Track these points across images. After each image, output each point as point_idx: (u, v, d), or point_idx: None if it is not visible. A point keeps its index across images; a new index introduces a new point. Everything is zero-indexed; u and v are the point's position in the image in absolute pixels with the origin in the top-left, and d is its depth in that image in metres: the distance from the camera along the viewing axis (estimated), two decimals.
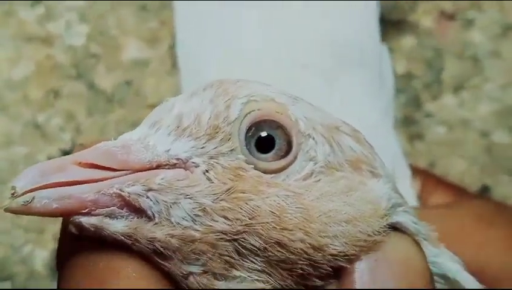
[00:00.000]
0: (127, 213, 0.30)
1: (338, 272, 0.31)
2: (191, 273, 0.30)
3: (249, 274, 0.30)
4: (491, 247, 0.44)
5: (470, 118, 0.62)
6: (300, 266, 0.30)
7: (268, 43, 0.55)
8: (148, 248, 0.30)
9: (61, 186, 0.29)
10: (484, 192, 0.60)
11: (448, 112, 0.62)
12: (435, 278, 0.33)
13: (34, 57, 0.61)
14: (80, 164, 0.30)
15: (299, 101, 0.33)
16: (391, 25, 0.62)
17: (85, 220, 0.29)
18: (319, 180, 0.32)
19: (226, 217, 0.30)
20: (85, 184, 0.29)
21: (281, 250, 0.30)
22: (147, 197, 0.30)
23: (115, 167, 0.30)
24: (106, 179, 0.30)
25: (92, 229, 0.29)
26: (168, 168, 0.30)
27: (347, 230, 0.31)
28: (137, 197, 0.30)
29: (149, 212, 0.30)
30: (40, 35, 0.62)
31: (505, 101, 0.62)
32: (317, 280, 0.31)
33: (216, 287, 0.30)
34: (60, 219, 0.32)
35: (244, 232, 0.30)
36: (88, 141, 0.32)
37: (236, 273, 0.30)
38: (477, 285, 0.34)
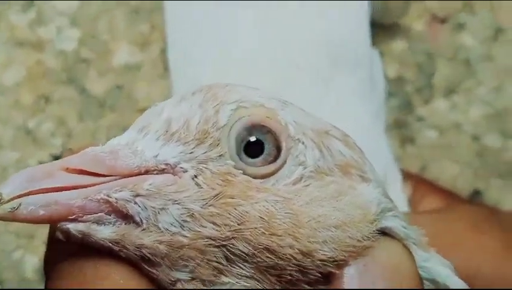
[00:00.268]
0: (114, 219, 0.30)
1: (327, 278, 0.31)
2: (178, 280, 0.30)
3: (237, 280, 0.30)
4: (482, 253, 0.44)
5: (462, 121, 0.62)
6: (289, 271, 0.30)
7: (263, 44, 0.54)
8: (135, 254, 0.29)
9: (48, 192, 0.29)
10: (476, 196, 0.60)
11: (440, 116, 0.62)
12: (425, 282, 0.33)
13: (25, 61, 0.61)
14: (68, 170, 0.30)
15: (288, 106, 0.33)
16: (382, 28, 0.62)
17: (72, 227, 0.29)
18: (308, 185, 0.31)
19: (214, 223, 0.30)
20: (72, 190, 0.29)
21: (269, 256, 0.30)
22: (135, 203, 0.29)
23: (102, 173, 0.30)
24: (94, 184, 0.29)
25: (80, 235, 0.29)
26: (157, 174, 0.30)
27: (336, 235, 0.30)
28: (125, 203, 0.29)
29: (137, 218, 0.29)
30: (31, 40, 0.61)
31: (497, 104, 0.62)
32: (306, 286, 0.31)
33: None
34: (48, 225, 0.31)
35: (232, 238, 0.29)
36: (78, 146, 0.32)
37: (225, 279, 0.30)
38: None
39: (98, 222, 0.29)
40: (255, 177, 0.31)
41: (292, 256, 0.30)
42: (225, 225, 0.29)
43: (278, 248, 0.30)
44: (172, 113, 0.32)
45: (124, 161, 0.30)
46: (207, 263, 0.30)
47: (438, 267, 0.34)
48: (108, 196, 0.29)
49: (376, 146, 0.50)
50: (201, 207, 0.30)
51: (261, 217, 0.30)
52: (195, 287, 0.30)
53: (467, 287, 0.34)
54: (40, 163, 0.59)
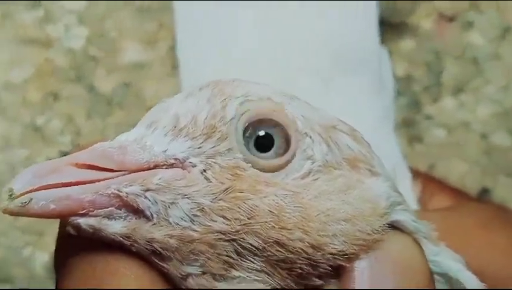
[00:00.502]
0: (125, 214, 0.30)
1: (337, 271, 0.31)
2: (189, 274, 0.30)
3: (248, 274, 0.30)
4: (491, 250, 0.43)
5: (470, 120, 0.62)
6: (299, 265, 0.30)
7: (265, 44, 0.54)
8: (146, 248, 0.29)
9: (58, 187, 0.29)
10: (484, 194, 0.60)
11: (448, 115, 0.62)
12: (436, 277, 0.33)
13: (33, 59, 0.61)
14: (77, 165, 0.30)
15: (295, 100, 0.33)
16: (391, 27, 0.62)
17: (83, 221, 0.29)
18: (317, 179, 0.31)
19: (224, 217, 0.30)
20: (82, 185, 0.29)
21: (280, 249, 0.30)
22: (145, 197, 0.29)
23: (111, 168, 0.30)
24: (103, 179, 0.29)
25: (90, 230, 0.29)
26: (166, 168, 0.30)
27: (346, 229, 0.30)
28: (136, 197, 0.29)
29: (147, 213, 0.29)
30: (39, 38, 0.62)
31: (505, 103, 0.62)
32: (316, 279, 0.31)
33: (215, 288, 0.30)
34: (59, 220, 0.31)
35: (242, 232, 0.29)
36: (86, 142, 0.32)
37: (236, 273, 0.30)
38: (479, 284, 0.34)
39: (109, 217, 0.29)
40: (265, 171, 0.31)
41: (302, 249, 0.30)
42: (235, 219, 0.30)
43: (288, 242, 0.30)
44: (180, 109, 0.32)
45: (133, 156, 0.30)
46: (217, 257, 0.30)
47: (448, 261, 0.34)
48: (118, 190, 0.29)
49: (385, 145, 0.50)
50: (211, 201, 0.30)
51: (270, 211, 0.30)
52: (206, 281, 0.30)
53: (478, 281, 0.34)
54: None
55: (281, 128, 0.32)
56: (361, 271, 0.30)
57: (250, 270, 0.30)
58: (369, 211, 0.31)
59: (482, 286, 0.34)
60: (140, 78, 0.61)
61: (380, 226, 0.31)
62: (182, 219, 0.29)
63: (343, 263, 0.30)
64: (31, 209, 0.28)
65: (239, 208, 0.30)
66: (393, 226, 0.32)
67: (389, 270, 0.30)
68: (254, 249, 0.30)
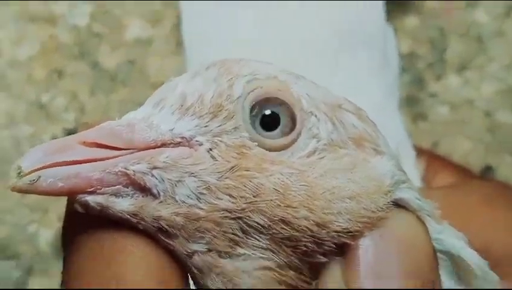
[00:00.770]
0: (132, 192, 0.30)
1: (342, 249, 0.31)
2: (195, 251, 0.30)
3: (253, 252, 0.30)
4: (495, 228, 0.44)
5: (474, 98, 0.62)
6: (304, 243, 0.30)
7: (270, 22, 0.54)
8: (153, 226, 0.30)
9: (67, 165, 0.29)
10: (488, 172, 0.60)
11: (452, 92, 0.62)
12: (439, 255, 0.33)
13: (38, 36, 0.61)
14: (85, 143, 0.30)
15: (301, 79, 0.33)
16: (395, 4, 0.62)
17: (91, 199, 0.29)
18: (322, 157, 0.32)
19: (230, 195, 0.30)
20: (90, 163, 0.29)
21: (285, 227, 0.30)
22: (152, 175, 0.30)
23: (119, 146, 0.30)
24: (111, 157, 0.30)
25: (98, 208, 0.30)
26: (173, 147, 0.31)
27: (351, 207, 0.31)
28: (143, 175, 0.30)
29: (154, 191, 0.30)
30: (44, 15, 0.62)
31: (509, 81, 0.62)
32: (321, 257, 0.31)
33: (221, 265, 0.30)
34: (65, 198, 0.32)
35: (248, 210, 0.30)
36: (94, 121, 0.32)
37: (241, 251, 0.30)
38: (482, 261, 0.34)
39: (116, 195, 0.30)
40: (270, 150, 0.31)
41: (307, 227, 0.30)
42: (241, 197, 0.30)
43: (293, 220, 0.30)
44: (186, 88, 0.32)
45: (140, 134, 0.30)
46: (223, 234, 0.30)
47: (451, 239, 0.34)
48: (126, 168, 0.29)
49: (389, 123, 0.50)
50: (217, 180, 0.30)
51: (276, 189, 0.30)
52: (211, 258, 0.30)
53: (481, 259, 0.34)
54: (54, 138, 0.60)
55: (287, 107, 0.32)
56: (365, 248, 0.31)
57: (255, 248, 0.30)
58: (374, 189, 0.31)
59: (484, 263, 0.34)
60: (144, 55, 0.62)
61: (384, 204, 0.31)
62: (188, 196, 0.30)
63: (348, 241, 0.31)
64: (39, 187, 0.29)
65: (245, 186, 0.30)
66: (398, 204, 0.32)
67: (393, 247, 0.31)
68: (259, 227, 0.30)
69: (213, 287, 0.31)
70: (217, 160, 0.30)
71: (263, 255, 0.30)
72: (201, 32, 0.56)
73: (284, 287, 0.31)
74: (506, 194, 0.46)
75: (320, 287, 0.31)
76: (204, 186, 0.30)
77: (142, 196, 0.30)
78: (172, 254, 0.30)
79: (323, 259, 0.31)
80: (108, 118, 0.32)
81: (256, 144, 0.31)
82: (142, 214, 0.30)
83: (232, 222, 0.30)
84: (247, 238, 0.30)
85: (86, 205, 0.30)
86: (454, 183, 0.48)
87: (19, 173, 0.29)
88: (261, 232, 0.30)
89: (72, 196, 0.30)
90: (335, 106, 0.33)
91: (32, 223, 0.59)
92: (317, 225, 0.30)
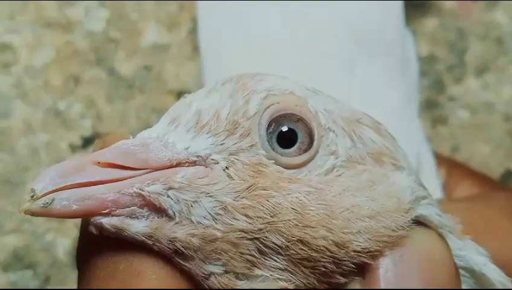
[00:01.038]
0: (147, 213, 0.29)
1: (361, 269, 0.30)
2: (212, 273, 0.30)
3: (271, 273, 0.30)
4: None
5: (494, 101, 0.61)
6: (323, 263, 0.30)
7: (288, 27, 0.54)
8: (169, 248, 0.29)
9: (80, 187, 0.29)
10: (508, 177, 0.60)
11: (471, 95, 0.61)
12: (461, 271, 0.32)
13: (54, 43, 0.61)
14: (99, 164, 0.29)
15: (318, 94, 0.33)
16: (414, 6, 0.61)
17: (106, 221, 0.29)
18: (340, 174, 0.31)
19: (247, 215, 0.29)
20: (105, 184, 0.29)
21: (303, 248, 0.29)
22: (168, 196, 0.29)
23: (134, 166, 0.29)
24: (126, 178, 0.29)
25: (113, 229, 0.29)
26: (188, 166, 0.30)
27: (370, 226, 0.30)
28: (158, 196, 0.29)
29: (170, 212, 0.29)
30: (60, 21, 0.61)
31: None
32: (340, 277, 0.30)
33: (238, 287, 0.30)
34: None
35: (265, 230, 0.29)
36: (109, 138, 0.32)
37: (258, 272, 0.30)
38: (505, 278, 0.34)
39: (131, 216, 0.29)
40: (287, 168, 0.31)
41: (326, 248, 0.30)
42: (258, 217, 0.29)
43: (312, 240, 0.29)
44: (202, 105, 0.31)
45: (155, 153, 0.30)
46: (240, 255, 0.29)
47: (474, 255, 0.33)
48: (141, 189, 0.29)
49: (408, 130, 0.49)
50: (234, 199, 0.29)
51: (293, 209, 0.30)
52: (228, 280, 0.30)
53: (504, 275, 0.33)
54: (71, 146, 0.59)
55: (304, 123, 0.31)
56: (385, 269, 0.30)
57: (273, 269, 0.30)
58: (394, 206, 0.31)
59: (507, 279, 0.34)
60: (160, 61, 0.61)
61: (405, 222, 0.31)
62: (204, 217, 0.29)
63: (368, 261, 0.30)
64: (53, 210, 0.28)
65: (262, 206, 0.29)
66: (418, 221, 0.32)
67: (415, 267, 0.30)
68: (277, 247, 0.29)
69: None
70: (233, 179, 0.30)
71: (281, 276, 0.30)
72: (218, 37, 0.56)
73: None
74: None
75: None
76: (221, 207, 0.29)
77: (158, 217, 0.29)
78: (188, 276, 0.30)
79: (342, 279, 0.30)
80: (123, 136, 0.31)
81: (273, 161, 0.31)
82: (158, 235, 0.29)
83: (249, 242, 0.29)
84: (264, 259, 0.30)
85: (100, 227, 0.29)
86: (475, 194, 0.47)
87: (33, 196, 0.28)
88: (279, 253, 0.30)
89: (86, 217, 0.30)
90: (353, 120, 0.33)
91: (49, 231, 0.59)
92: (336, 245, 0.30)
